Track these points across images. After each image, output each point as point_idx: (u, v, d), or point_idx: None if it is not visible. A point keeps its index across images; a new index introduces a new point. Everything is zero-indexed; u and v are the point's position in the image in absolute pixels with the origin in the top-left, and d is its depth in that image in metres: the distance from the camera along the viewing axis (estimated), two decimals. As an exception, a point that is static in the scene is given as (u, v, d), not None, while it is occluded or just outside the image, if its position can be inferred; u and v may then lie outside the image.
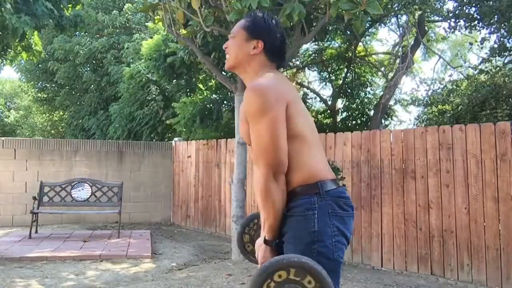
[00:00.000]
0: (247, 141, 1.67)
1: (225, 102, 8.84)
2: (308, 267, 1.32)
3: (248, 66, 1.69)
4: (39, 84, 15.00)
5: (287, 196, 1.56)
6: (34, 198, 6.52)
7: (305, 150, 1.57)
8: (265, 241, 1.57)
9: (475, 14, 7.09)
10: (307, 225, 1.50)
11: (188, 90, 9.50)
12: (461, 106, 6.60)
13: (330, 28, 7.92)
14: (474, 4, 6.98)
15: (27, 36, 8.31)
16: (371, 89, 10.59)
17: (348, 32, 8.51)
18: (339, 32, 8.76)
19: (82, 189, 6.84)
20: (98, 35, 12.95)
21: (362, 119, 9.87)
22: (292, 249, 1.52)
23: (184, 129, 8.59)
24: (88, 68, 13.19)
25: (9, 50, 8.94)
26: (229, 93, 8.46)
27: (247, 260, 1.92)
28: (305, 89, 11.12)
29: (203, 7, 4.81)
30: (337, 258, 1.51)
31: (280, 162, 1.51)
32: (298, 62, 10.04)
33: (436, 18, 8.69)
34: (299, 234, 1.51)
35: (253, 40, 1.68)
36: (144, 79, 9.76)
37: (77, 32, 12.78)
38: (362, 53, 10.04)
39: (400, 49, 9.11)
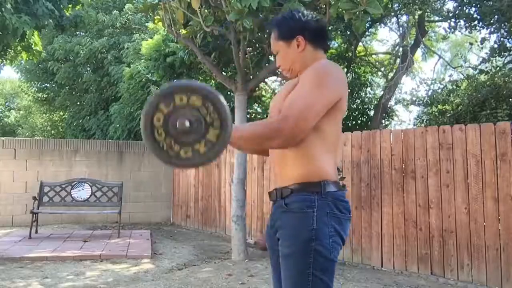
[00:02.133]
0: (275, 112, 1.64)
1: (225, 102, 8.83)
2: (206, 92, 1.31)
3: (305, 63, 1.65)
4: (39, 84, 15.00)
5: (287, 189, 1.56)
6: (34, 198, 6.52)
7: (321, 146, 1.56)
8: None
9: (475, 14, 7.09)
10: (306, 223, 1.50)
11: (188, 90, 9.48)
12: (461, 106, 6.60)
13: (330, 28, 7.92)
14: (474, 4, 6.98)
15: (27, 36, 8.32)
16: (371, 89, 10.59)
17: (348, 32, 8.51)
18: (339, 32, 8.76)
19: (82, 189, 6.84)
20: (98, 35, 12.95)
21: (362, 119, 9.87)
22: (289, 245, 1.52)
23: (184, 129, 8.58)
24: (88, 68, 13.18)
25: (9, 50, 8.95)
26: (229, 93, 8.46)
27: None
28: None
29: (203, 7, 4.81)
30: (333, 258, 1.51)
31: (301, 130, 1.48)
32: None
33: (436, 18, 8.69)
34: (297, 231, 1.51)
35: (292, 40, 1.66)
36: (144, 79, 9.75)
37: (77, 32, 12.79)
38: (362, 53, 10.05)
39: (400, 49, 9.11)
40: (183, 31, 5.32)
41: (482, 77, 7.24)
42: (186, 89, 1.32)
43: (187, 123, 1.30)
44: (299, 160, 1.55)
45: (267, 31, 1.67)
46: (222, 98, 1.33)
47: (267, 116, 1.80)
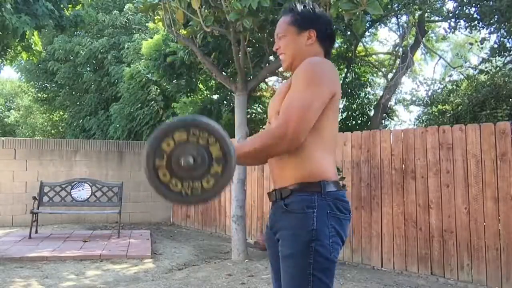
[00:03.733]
0: (273, 115, 1.64)
1: (225, 102, 8.84)
2: (204, 126, 1.33)
3: (304, 58, 1.63)
4: (39, 84, 15.00)
5: (286, 189, 1.56)
6: (34, 198, 6.52)
7: (319, 145, 1.55)
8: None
9: (475, 14, 7.09)
10: (306, 223, 1.49)
11: (188, 90, 9.50)
12: (461, 106, 6.60)
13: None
14: (474, 4, 6.98)
15: (27, 36, 8.31)
16: (371, 89, 10.60)
17: (348, 32, 8.51)
18: (339, 32, 8.76)
19: (82, 189, 6.84)
20: (98, 35, 12.95)
21: (362, 119, 9.87)
22: (289, 246, 1.51)
23: (184, 129, 8.57)
24: (88, 68, 13.18)
25: (9, 50, 8.94)
26: (229, 93, 8.46)
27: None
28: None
29: (203, 7, 4.81)
30: (333, 258, 1.51)
31: (304, 131, 1.48)
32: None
33: (436, 18, 8.69)
34: (297, 231, 1.50)
35: (305, 31, 1.66)
36: (144, 79, 9.76)
37: (78, 32, 12.78)
38: (362, 53, 10.04)
39: (400, 49, 9.11)
40: (183, 31, 5.32)
41: (482, 77, 7.24)
42: (182, 126, 1.33)
43: (190, 160, 1.30)
44: (298, 160, 1.55)
45: (279, 16, 1.66)
46: (216, 128, 1.34)
47: (267, 117, 1.80)
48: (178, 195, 1.33)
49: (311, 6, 1.70)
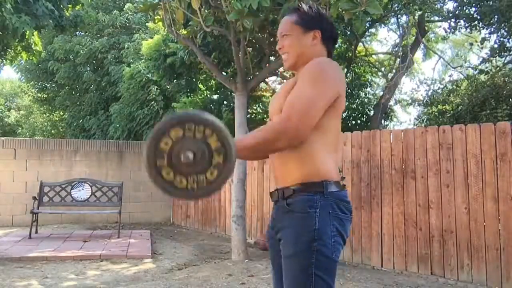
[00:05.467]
0: (275, 112, 1.64)
1: (225, 102, 8.84)
2: (198, 119, 1.33)
3: (309, 58, 1.63)
4: (39, 84, 15.00)
5: (289, 189, 1.56)
6: (34, 198, 6.52)
7: (323, 146, 1.55)
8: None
9: (475, 14, 7.10)
10: (308, 223, 1.49)
11: (188, 90, 9.50)
12: (461, 106, 6.61)
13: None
14: (474, 4, 6.98)
15: (27, 36, 8.31)
16: (371, 89, 10.59)
17: (348, 32, 8.51)
18: (339, 32, 8.76)
19: (82, 189, 6.84)
20: (98, 35, 12.94)
21: (362, 119, 9.87)
22: (291, 245, 1.51)
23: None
24: (88, 68, 13.18)
25: (9, 50, 8.94)
26: (229, 93, 8.46)
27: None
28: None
29: (203, 7, 4.81)
30: (335, 258, 1.51)
31: (306, 128, 1.47)
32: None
33: (436, 18, 8.69)
34: (299, 231, 1.50)
35: (310, 31, 1.66)
36: (144, 79, 9.76)
37: (78, 32, 12.78)
38: (362, 53, 10.04)
39: (400, 49, 9.11)
40: (183, 31, 5.32)
41: (482, 77, 7.24)
42: (180, 122, 1.33)
43: (190, 155, 1.31)
44: (300, 160, 1.55)
45: (282, 15, 1.67)
46: (214, 120, 1.34)
47: (267, 116, 1.80)
48: (185, 191, 1.34)
49: (316, 7, 1.71)
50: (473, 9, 7.15)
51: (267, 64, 5.83)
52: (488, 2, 6.69)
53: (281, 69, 6.28)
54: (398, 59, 8.81)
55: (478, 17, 7.02)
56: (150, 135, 1.34)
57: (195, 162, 1.31)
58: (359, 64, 10.05)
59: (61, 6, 8.33)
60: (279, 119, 1.50)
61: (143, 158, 1.33)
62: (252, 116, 9.17)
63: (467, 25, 7.39)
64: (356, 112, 9.98)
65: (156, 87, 9.76)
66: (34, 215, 6.33)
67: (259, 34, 5.47)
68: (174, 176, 1.32)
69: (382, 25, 9.77)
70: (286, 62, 1.71)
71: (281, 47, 1.71)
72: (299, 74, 1.60)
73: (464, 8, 7.22)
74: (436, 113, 7.36)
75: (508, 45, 7.15)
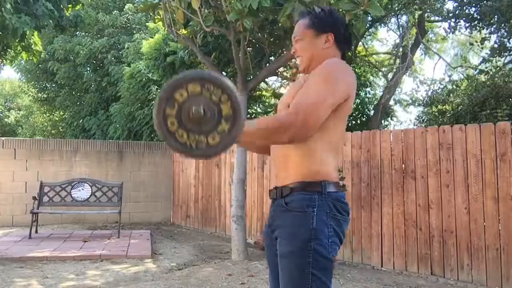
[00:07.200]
0: (283, 108, 1.64)
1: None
2: (220, 83, 1.33)
3: (321, 61, 1.62)
4: (39, 84, 15.00)
5: (287, 187, 1.55)
6: (34, 198, 6.52)
7: (326, 146, 1.55)
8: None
9: (475, 14, 7.10)
10: (306, 222, 1.49)
11: (188, 90, 9.49)
12: (461, 106, 6.60)
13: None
14: (474, 4, 6.98)
15: (27, 36, 8.32)
16: (371, 89, 10.59)
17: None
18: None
19: (82, 189, 6.84)
20: (98, 35, 12.95)
21: (362, 119, 9.87)
22: (288, 244, 1.51)
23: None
24: (89, 68, 13.19)
25: (9, 50, 8.94)
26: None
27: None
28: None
29: (203, 7, 4.81)
30: (331, 258, 1.51)
31: (312, 125, 1.46)
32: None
33: (436, 18, 8.69)
34: (297, 230, 1.50)
35: (323, 34, 1.66)
36: (144, 79, 9.76)
37: (78, 32, 12.79)
38: (362, 53, 10.05)
39: (400, 49, 9.11)
40: (183, 31, 5.32)
41: (482, 77, 7.24)
42: (197, 79, 1.33)
43: (201, 109, 1.30)
44: (301, 159, 1.55)
45: (295, 19, 1.67)
46: (233, 87, 1.34)
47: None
48: (182, 145, 1.33)
49: (328, 9, 1.70)
50: (473, 9, 7.15)
51: (267, 64, 5.83)
52: (488, 2, 6.69)
53: (281, 69, 6.28)
54: (398, 59, 8.81)
55: (478, 17, 7.02)
56: (168, 82, 1.33)
57: (202, 121, 1.31)
58: (359, 64, 10.06)
59: (61, 6, 8.33)
60: (287, 112, 1.50)
61: (155, 102, 1.32)
62: (252, 116, 9.16)
63: (467, 25, 7.39)
64: (356, 112, 9.99)
65: (156, 86, 9.76)
66: (34, 215, 6.33)
67: (259, 34, 5.47)
68: (177, 127, 1.32)
69: (382, 25, 9.76)
70: (300, 66, 1.72)
71: (294, 50, 1.72)
72: (311, 73, 1.60)
73: (464, 8, 7.22)
74: (436, 113, 7.35)
75: (508, 45, 7.15)
